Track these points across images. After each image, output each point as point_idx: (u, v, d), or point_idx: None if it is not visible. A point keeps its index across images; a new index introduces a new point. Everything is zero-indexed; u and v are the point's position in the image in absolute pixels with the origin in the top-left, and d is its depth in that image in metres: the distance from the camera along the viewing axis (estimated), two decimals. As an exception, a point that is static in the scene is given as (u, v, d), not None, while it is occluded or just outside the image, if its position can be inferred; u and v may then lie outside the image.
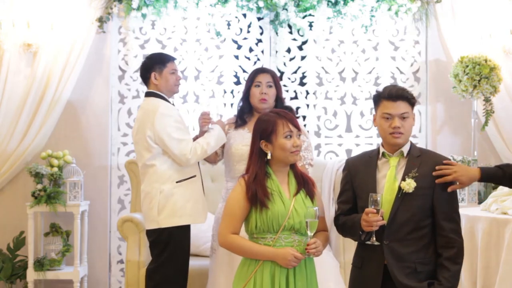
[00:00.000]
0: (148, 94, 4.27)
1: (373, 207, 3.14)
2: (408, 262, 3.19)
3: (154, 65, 4.25)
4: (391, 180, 3.24)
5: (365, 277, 3.28)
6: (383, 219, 3.16)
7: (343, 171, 3.43)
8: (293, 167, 3.31)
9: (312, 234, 3.16)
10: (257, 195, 3.18)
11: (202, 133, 4.23)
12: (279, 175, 3.26)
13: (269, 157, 3.24)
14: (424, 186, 3.20)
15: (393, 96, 3.25)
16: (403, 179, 3.21)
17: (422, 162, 3.24)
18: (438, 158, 3.30)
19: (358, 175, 3.32)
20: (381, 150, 3.32)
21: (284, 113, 3.30)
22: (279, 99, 4.23)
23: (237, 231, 3.22)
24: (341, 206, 3.40)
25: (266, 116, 3.30)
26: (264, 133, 3.24)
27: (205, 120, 4.21)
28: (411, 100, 3.26)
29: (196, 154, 4.07)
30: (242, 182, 3.24)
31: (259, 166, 3.24)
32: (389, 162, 3.28)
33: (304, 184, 3.28)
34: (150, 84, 4.26)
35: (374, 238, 3.19)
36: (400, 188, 3.20)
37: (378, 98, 3.30)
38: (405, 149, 3.29)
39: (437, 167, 3.22)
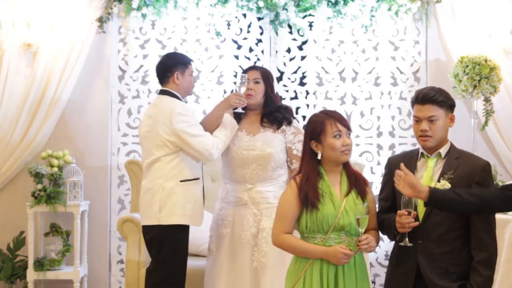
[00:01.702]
0: (163, 92, 4.24)
1: (405, 209, 3.16)
2: (441, 262, 3.20)
3: (178, 65, 4.23)
4: (427, 181, 3.25)
5: (399, 274, 3.31)
6: (416, 221, 3.17)
7: (385, 168, 3.47)
8: (346, 166, 3.31)
9: (363, 230, 3.17)
10: (308, 197, 3.20)
11: (215, 117, 4.17)
12: (331, 175, 3.28)
13: (319, 157, 3.26)
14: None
15: (419, 99, 3.27)
16: (439, 180, 3.22)
17: (459, 164, 3.24)
18: (477, 161, 3.28)
19: None
20: (420, 150, 3.33)
21: (333, 113, 3.32)
22: (268, 96, 4.19)
23: (290, 230, 3.27)
24: (381, 203, 3.44)
25: (315, 117, 3.33)
26: (313, 133, 3.27)
27: (241, 99, 4.11)
28: (441, 103, 3.25)
29: (218, 148, 4.08)
30: (293, 184, 3.27)
31: (311, 166, 3.26)
32: (427, 162, 3.30)
33: (356, 184, 3.28)
34: (169, 83, 4.22)
35: (407, 240, 3.21)
36: None
37: (412, 101, 3.33)
38: (444, 150, 3.29)
39: (396, 171, 3.18)
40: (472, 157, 3.34)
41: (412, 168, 3.30)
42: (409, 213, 3.17)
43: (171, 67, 4.23)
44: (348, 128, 3.29)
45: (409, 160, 3.35)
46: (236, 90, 4.15)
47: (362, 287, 3.25)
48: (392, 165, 3.40)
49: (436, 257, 3.20)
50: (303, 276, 3.22)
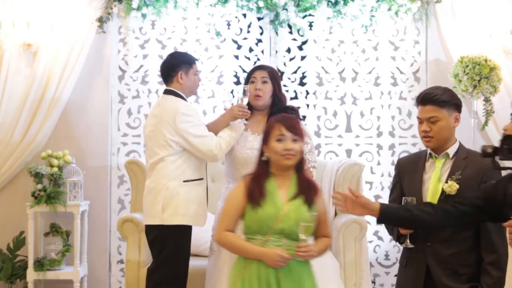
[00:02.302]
0: (167, 92, 4.24)
1: None
2: (450, 264, 3.20)
3: (182, 64, 4.24)
4: (435, 181, 3.26)
5: (408, 276, 3.31)
6: None
7: (394, 170, 3.48)
8: (299, 172, 3.34)
9: (306, 238, 3.18)
10: (254, 193, 3.26)
11: (219, 127, 4.18)
12: (279, 178, 3.32)
13: (264, 158, 3.34)
14: (467, 189, 3.18)
15: (419, 100, 3.29)
16: (446, 181, 3.21)
17: (467, 164, 3.23)
18: (485, 160, 3.20)
19: (406, 175, 3.35)
20: (428, 151, 3.33)
21: (282, 117, 3.39)
22: (276, 96, 4.19)
23: (232, 228, 3.31)
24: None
25: (269, 121, 3.44)
26: (263, 136, 3.37)
27: (244, 111, 4.11)
28: (442, 103, 3.24)
29: (221, 148, 4.09)
30: (242, 182, 3.35)
31: (261, 167, 3.35)
32: (435, 163, 3.30)
33: (305, 191, 3.30)
34: (173, 83, 4.23)
35: (408, 241, 3.22)
36: (443, 190, 3.21)
37: (416, 104, 3.34)
38: (451, 150, 3.29)
39: (332, 195, 3.16)
40: (480, 156, 3.32)
41: (421, 169, 3.31)
42: None
43: (175, 66, 4.23)
44: (295, 134, 3.30)
45: (417, 161, 3.36)
46: (238, 102, 4.15)
47: None
48: (401, 167, 3.41)
49: (445, 259, 3.20)
50: (242, 276, 3.23)
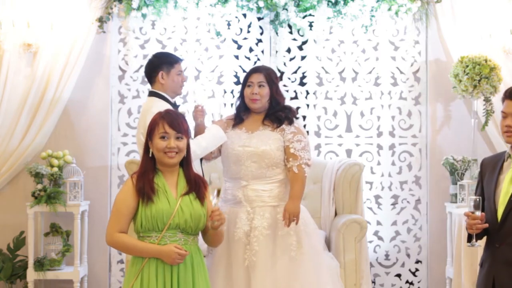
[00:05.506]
0: (150, 94, 4.31)
1: (472, 209, 3.13)
2: None
3: (162, 64, 4.27)
4: (507, 182, 3.18)
5: (482, 276, 3.25)
6: (485, 223, 3.12)
7: (479, 167, 3.43)
8: (185, 169, 3.35)
9: (216, 201, 3.22)
10: (144, 188, 3.23)
11: (197, 126, 4.27)
12: (167, 174, 3.32)
13: (150, 155, 3.31)
14: None
15: (507, 94, 3.22)
16: None
17: None
18: None
19: (486, 174, 3.30)
20: (508, 151, 3.27)
21: (167, 114, 3.34)
22: (273, 98, 4.19)
23: (125, 229, 3.27)
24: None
25: (154, 116, 3.37)
26: (148, 132, 3.34)
27: (198, 113, 4.23)
28: None
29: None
30: (129, 181, 3.31)
31: (148, 162, 3.32)
32: (511, 164, 3.23)
33: (195, 188, 3.32)
34: (156, 83, 4.28)
35: (474, 240, 3.17)
36: None
37: (503, 98, 3.27)
38: None
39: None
40: None
41: (498, 169, 3.24)
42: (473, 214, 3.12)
43: (156, 67, 4.27)
44: (178, 131, 3.28)
45: (497, 161, 3.29)
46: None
47: (199, 286, 3.27)
48: (483, 166, 3.35)
49: None
50: (140, 276, 3.22)
